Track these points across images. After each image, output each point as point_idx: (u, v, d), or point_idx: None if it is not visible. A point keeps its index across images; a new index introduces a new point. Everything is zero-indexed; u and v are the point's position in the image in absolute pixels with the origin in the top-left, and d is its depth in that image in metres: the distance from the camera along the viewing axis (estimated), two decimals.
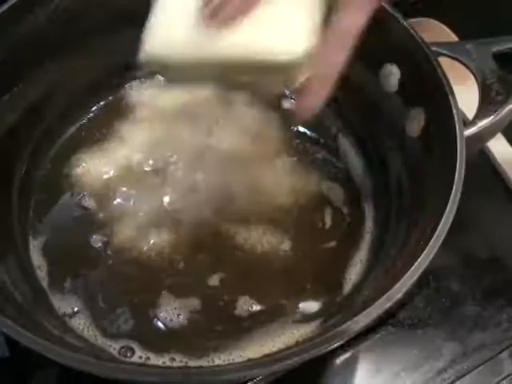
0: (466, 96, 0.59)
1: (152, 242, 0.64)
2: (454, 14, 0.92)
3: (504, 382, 0.65)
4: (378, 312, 0.43)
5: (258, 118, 0.74)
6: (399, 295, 0.44)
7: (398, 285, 0.44)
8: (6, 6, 0.58)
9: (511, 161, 0.80)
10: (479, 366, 0.66)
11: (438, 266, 0.71)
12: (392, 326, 0.68)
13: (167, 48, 0.48)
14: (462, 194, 0.73)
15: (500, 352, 0.67)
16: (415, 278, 0.45)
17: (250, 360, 0.52)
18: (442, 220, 0.48)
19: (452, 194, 0.50)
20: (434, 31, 0.92)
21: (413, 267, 0.45)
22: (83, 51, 0.68)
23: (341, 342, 0.43)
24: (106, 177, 0.69)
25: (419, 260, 0.45)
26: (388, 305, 0.44)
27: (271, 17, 0.46)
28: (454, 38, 0.90)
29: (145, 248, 0.64)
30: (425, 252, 0.46)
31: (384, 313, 0.63)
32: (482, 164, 0.80)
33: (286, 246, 0.65)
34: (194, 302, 0.61)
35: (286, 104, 0.76)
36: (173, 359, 0.57)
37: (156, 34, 0.48)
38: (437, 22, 0.93)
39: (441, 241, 0.47)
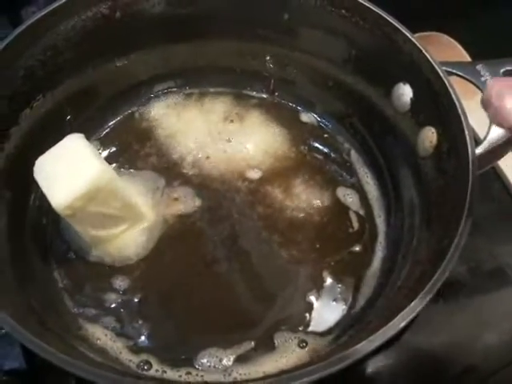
0: (475, 112, 0.60)
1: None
2: (462, 27, 0.93)
3: None
4: (392, 332, 0.44)
5: (273, 132, 0.76)
6: (413, 315, 0.45)
7: (411, 305, 0.45)
8: (23, 27, 0.60)
9: None
10: (487, 379, 0.67)
11: (446, 280, 0.72)
12: (397, 341, 0.69)
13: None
14: None
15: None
16: (429, 297, 0.46)
17: (267, 376, 0.53)
18: (457, 237, 0.49)
19: (465, 212, 0.50)
20: (443, 44, 0.93)
21: (426, 288, 0.46)
22: (97, 69, 0.70)
23: (355, 360, 0.44)
24: None
25: (432, 281, 0.46)
26: (403, 324, 0.44)
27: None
28: (462, 50, 0.91)
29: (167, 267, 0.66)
30: (437, 273, 0.47)
31: None
32: (488, 174, 0.81)
33: (300, 259, 0.66)
34: (212, 319, 0.62)
35: (304, 118, 0.78)
36: (189, 373, 0.58)
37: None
38: (446, 36, 0.93)
39: (455, 259, 0.48)
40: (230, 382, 0.56)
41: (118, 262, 0.65)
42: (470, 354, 0.68)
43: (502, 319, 0.71)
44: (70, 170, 0.56)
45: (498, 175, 0.82)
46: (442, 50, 0.92)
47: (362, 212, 0.70)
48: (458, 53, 0.93)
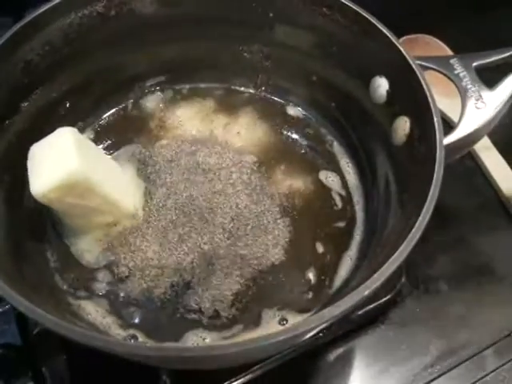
0: (457, 109, 0.63)
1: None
2: (450, 30, 0.96)
3: (488, 377, 0.68)
4: (357, 298, 0.47)
5: (260, 124, 0.79)
6: (377, 284, 0.48)
7: (375, 275, 0.48)
8: (23, 22, 0.64)
9: (503, 172, 0.84)
10: (464, 362, 0.69)
11: (428, 270, 0.75)
12: (383, 324, 0.72)
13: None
14: (453, 205, 0.78)
15: (484, 349, 0.70)
16: (392, 268, 0.48)
17: None
18: (419, 219, 0.51)
19: (429, 197, 0.53)
20: (430, 47, 0.96)
21: (390, 259, 0.49)
22: (93, 64, 0.73)
23: (323, 325, 0.47)
24: None
25: (396, 253, 0.49)
26: (367, 292, 0.47)
27: None
28: (449, 52, 0.94)
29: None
30: (401, 247, 0.50)
31: (375, 311, 0.69)
32: (472, 170, 0.85)
33: (283, 245, 0.69)
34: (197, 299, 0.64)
35: (290, 111, 0.81)
36: None
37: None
38: (434, 38, 0.96)
39: (417, 237, 0.50)
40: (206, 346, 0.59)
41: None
42: (454, 343, 0.71)
43: (488, 312, 0.74)
44: (51, 162, 0.59)
45: (481, 170, 0.85)
46: (430, 51, 0.94)
47: (341, 200, 0.73)
48: (446, 54, 0.95)
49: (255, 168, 0.74)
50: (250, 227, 0.68)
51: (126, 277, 0.65)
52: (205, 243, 0.67)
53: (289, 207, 0.71)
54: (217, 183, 0.71)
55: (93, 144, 0.68)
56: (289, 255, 0.68)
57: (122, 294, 0.65)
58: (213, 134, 0.77)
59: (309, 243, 0.69)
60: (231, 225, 0.68)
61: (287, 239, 0.69)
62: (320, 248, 0.69)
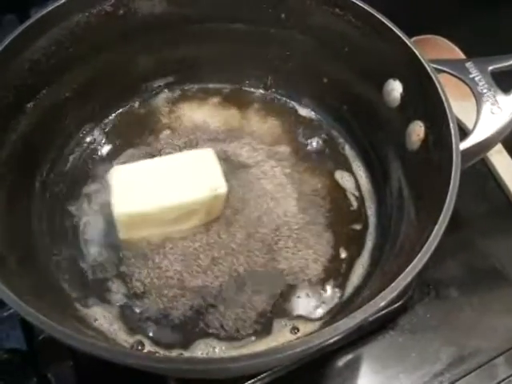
0: (471, 113, 0.62)
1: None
2: (461, 31, 0.95)
3: None
4: (373, 310, 0.46)
5: (271, 126, 0.79)
6: (393, 294, 0.47)
7: (392, 285, 0.47)
8: (29, 22, 0.62)
9: None
10: (475, 370, 0.68)
11: (439, 276, 0.74)
12: (392, 331, 0.71)
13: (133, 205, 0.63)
14: (464, 209, 0.77)
15: (495, 357, 0.69)
16: (409, 279, 0.47)
17: None
18: (436, 227, 0.50)
19: (445, 205, 0.52)
20: (440, 48, 0.95)
21: (407, 269, 0.48)
22: (100, 64, 0.72)
23: (338, 337, 0.46)
24: None
25: (413, 263, 0.48)
26: (383, 303, 0.46)
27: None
28: (460, 54, 0.93)
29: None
30: (418, 257, 0.48)
31: (385, 318, 0.68)
32: (483, 173, 0.84)
33: (296, 251, 0.68)
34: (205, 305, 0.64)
35: (302, 112, 0.80)
36: (180, 354, 0.60)
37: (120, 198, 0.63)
38: (444, 39, 0.95)
39: (434, 247, 0.49)
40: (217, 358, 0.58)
41: None
42: (464, 350, 0.70)
43: (500, 318, 0.73)
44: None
45: (492, 174, 0.84)
46: (440, 52, 0.94)
47: (353, 205, 0.73)
48: (456, 55, 0.94)
49: (294, 160, 0.74)
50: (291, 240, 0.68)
51: (142, 293, 0.64)
52: (241, 264, 0.66)
53: (306, 205, 0.71)
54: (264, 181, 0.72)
55: (143, 162, 0.68)
56: (299, 261, 0.67)
57: (137, 310, 0.64)
58: (223, 136, 0.77)
59: (329, 247, 0.69)
60: (272, 235, 0.68)
61: (328, 256, 0.68)
62: (336, 252, 0.69)
